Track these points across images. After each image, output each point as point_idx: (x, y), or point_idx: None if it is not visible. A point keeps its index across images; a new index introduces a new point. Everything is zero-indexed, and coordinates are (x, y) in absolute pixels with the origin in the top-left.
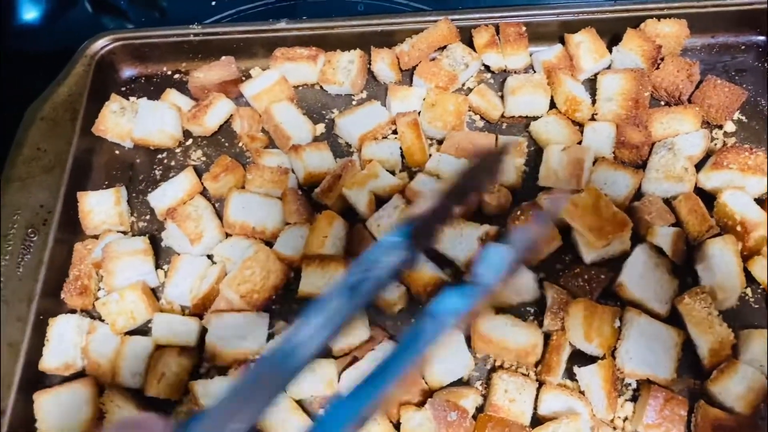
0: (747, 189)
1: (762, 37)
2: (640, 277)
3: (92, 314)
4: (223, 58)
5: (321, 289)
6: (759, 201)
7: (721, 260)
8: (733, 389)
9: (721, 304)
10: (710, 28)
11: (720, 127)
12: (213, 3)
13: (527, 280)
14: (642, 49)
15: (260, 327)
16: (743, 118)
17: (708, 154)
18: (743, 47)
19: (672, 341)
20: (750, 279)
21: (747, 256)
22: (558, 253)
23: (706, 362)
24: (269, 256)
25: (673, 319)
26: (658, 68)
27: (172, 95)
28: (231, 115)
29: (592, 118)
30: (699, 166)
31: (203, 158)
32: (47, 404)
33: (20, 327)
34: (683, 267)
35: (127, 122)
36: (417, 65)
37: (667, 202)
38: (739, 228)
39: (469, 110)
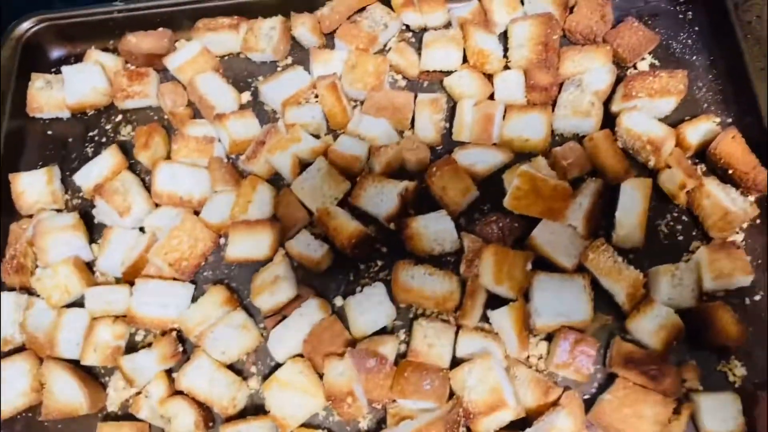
0: (658, 111)
1: None
2: (551, 232)
3: (30, 291)
4: (160, 29)
5: (249, 254)
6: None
7: (629, 198)
8: (646, 326)
9: (623, 242)
10: None
11: (635, 67)
12: None
13: (447, 229)
14: None
15: (183, 296)
16: (655, 61)
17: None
18: None
19: (579, 285)
20: (660, 215)
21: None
22: (476, 203)
23: (626, 307)
24: (196, 224)
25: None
26: (572, 12)
27: (95, 54)
28: None
29: (507, 68)
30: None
31: (133, 133)
32: None
33: None
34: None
35: (59, 93)
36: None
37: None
38: (648, 147)
39: (391, 69)
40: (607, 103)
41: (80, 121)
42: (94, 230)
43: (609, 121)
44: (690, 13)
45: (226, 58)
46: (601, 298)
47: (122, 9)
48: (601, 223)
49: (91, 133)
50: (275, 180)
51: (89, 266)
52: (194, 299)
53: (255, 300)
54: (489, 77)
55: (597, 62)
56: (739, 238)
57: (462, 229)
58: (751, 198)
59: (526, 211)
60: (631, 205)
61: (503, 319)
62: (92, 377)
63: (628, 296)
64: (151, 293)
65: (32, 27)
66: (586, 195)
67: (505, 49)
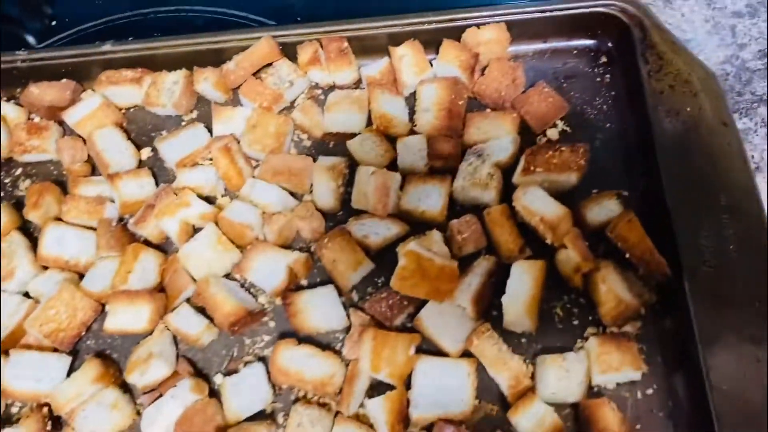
0: (560, 184)
1: (592, 41)
2: (439, 314)
3: None
4: (64, 80)
5: (127, 327)
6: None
7: (517, 281)
8: (525, 423)
9: (512, 327)
10: (541, 33)
11: (544, 134)
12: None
13: (333, 307)
14: (459, 60)
15: (58, 369)
16: (567, 128)
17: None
18: (575, 52)
19: (463, 372)
20: (556, 296)
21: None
22: (371, 276)
23: (509, 398)
24: (74, 294)
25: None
26: (483, 75)
27: None
28: None
29: (412, 132)
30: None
31: None
32: None
33: None
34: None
35: None
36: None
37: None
38: (542, 226)
39: (297, 129)
40: (511, 173)
41: None
42: None
43: (513, 192)
44: (608, 76)
45: (132, 110)
46: (491, 383)
47: (26, 59)
48: (493, 303)
49: None
50: (168, 245)
51: None
52: (74, 370)
53: (127, 377)
54: (394, 140)
55: (502, 130)
56: (637, 324)
57: (354, 305)
58: (652, 282)
59: (411, 292)
60: (520, 290)
61: (377, 409)
62: None
63: (511, 388)
64: (25, 365)
65: None
66: (477, 274)
67: (415, 111)
